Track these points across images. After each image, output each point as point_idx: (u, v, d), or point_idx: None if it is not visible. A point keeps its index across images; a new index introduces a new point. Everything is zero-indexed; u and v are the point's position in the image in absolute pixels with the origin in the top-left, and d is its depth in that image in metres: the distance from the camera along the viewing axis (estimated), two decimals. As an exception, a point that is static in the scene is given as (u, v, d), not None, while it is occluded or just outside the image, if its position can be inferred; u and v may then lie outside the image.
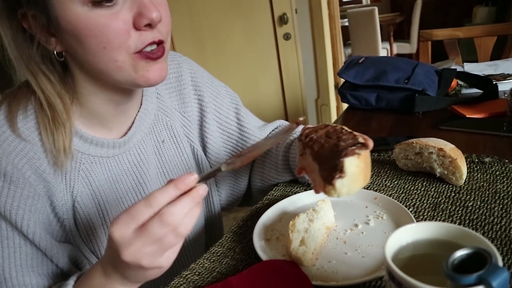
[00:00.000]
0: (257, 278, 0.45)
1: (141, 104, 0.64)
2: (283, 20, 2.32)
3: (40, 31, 0.49)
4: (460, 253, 0.33)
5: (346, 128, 0.49)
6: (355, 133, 0.47)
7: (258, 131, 0.78)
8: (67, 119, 0.53)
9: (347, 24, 4.11)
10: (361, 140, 0.45)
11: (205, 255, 0.56)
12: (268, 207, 0.63)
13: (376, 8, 3.85)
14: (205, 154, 0.74)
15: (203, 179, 0.42)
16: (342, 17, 3.78)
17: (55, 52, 0.51)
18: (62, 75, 0.54)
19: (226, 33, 2.40)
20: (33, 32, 0.49)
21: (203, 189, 0.40)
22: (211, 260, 0.54)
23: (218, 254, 0.56)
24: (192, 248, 0.72)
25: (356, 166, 0.42)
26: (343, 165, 0.42)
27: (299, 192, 0.67)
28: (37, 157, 0.52)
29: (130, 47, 0.48)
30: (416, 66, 1.08)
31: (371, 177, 0.72)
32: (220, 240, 0.58)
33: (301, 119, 0.45)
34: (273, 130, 0.82)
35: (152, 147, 0.66)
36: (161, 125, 0.68)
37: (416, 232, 0.38)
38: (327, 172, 0.44)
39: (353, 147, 0.44)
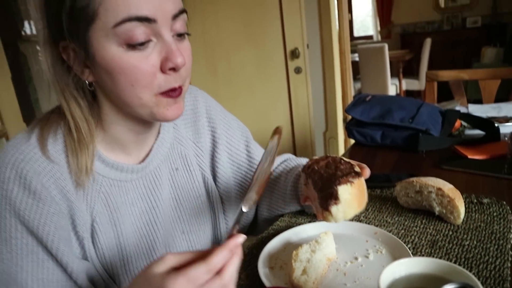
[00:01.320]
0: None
1: (158, 133, 0.69)
2: (294, 54, 2.41)
3: (77, 63, 0.54)
4: (448, 286, 0.36)
5: (344, 158, 0.54)
6: (353, 162, 0.52)
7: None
8: (91, 141, 0.58)
9: (357, 59, 4.21)
10: (356, 169, 0.50)
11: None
12: (273, 236, 0.66)
13: (386, 45, 3.95)
14: (215, 183, 0.78)
15: (234, 225, 0.46)
16: (353, 51, 3.89)
17: (87, 82, 0.56)
18: (90, 102, 0.59)
19: (239, 63, 2.48)
20: (71, 63, 0.55)
21: (242, 238, 0.44)
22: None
23: (224, 279, 0.59)
24: None
25: (350, 194, 0.46)
26: (337, 193, 0.47)
27: (303, 224, 0.71)
28: (63, 178, 0.57)
29: (154, 88, 0.54)
30: (421, 106, 1.13)
31: (373, 212, 0.75)
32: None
33: (280, 126, 0.50)
34: (281, 163, 0.86)
35: (166, 173, 0.70)
36: (176, 153, 0.72)
37: (409, 266, 0.41)
38: (324, 200, 0.48)
39: (347, 176, 0.48)
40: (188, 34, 0.57)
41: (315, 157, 0.59)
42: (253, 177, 0.52)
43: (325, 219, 0.49)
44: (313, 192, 0.54)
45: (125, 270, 0.63)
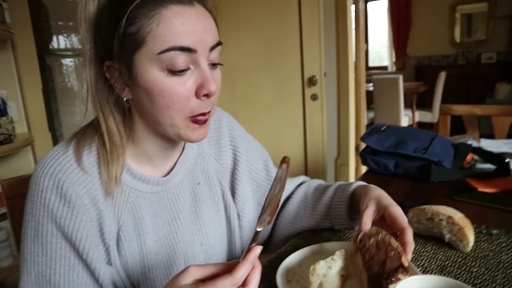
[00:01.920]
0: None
1: (183, 149, 0.74)
2: (312, 81, 2.48)
3: (119, 81, 0.60)
4: (454, 301, 0.40)
5: (393, 240, 0.60)
6: (400, 250, 0.58)
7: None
8: (122, 153, 0.63)
9: (371, 88, 4.28)
10: (404, 262, 0.56)
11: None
12: (291, 252, 0.71)
13: (401, 76, 4.02)
14: (233, 199, 0.82)
15: (251, 244, 0.50)
16: (368, 81, 3.97)
17: (124, 99, 0.62)
18: (124, 117, 0.64)
19: (257, 87, 2.56)
20: (112, 81, 0.60)
21: (259, 249, 0.49)
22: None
23: None
24: None
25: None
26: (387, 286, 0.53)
27: (320, 242, 0.75)
28: (94, 188, 0.62)
29: (187, 112, 0.59)
30: (434, 138, 1.17)
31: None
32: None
33: (287, 157, 0.58)
34: (298, 186, 0.91)
35: (188, 187, 0.74)
36: (199, 169, 0.77)
37: (421, 282, 0.46)
38: (374, 285, 0.55)
39: (396, 273, 0.54)
40: (221, 64, 0.63)
41: (366, 228, 0.64)
42: (265, 201, 0.57)
43: None
44: (361, 267, 0.60)
45: (145, 278, 0.67)
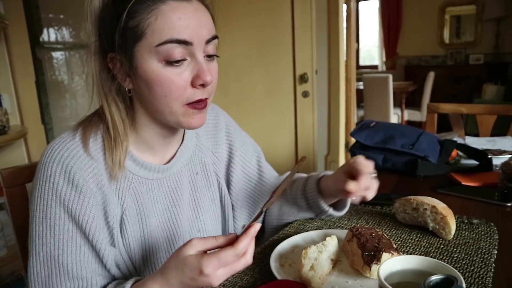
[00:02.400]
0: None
1: (182, 140, 0.78)
2: (303, 79, 2.52)
3: (121, 72, 0.63)
4: (435, 277, 0.44)
5: (385, 234, 0.69)
6: (391, 241, 0.67)
7: (274, 179, 0.92)
8: (125, 139, 0.66)
9: (362, 87, 4.34)
10: (395, 246, 0.66)
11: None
12: (283, 240, 0.74)
13: (390, 76, 4.09)
14: (228, 191, 0.86)
15: (254, 221, 0.56)
16: (358, 80, 4.02)
17: (126, 89, 0.65)
18: (127, 106, 0.68)
19: (250, 84, 2.60)
20: (115, 72, 0.64)
21: (259, 226, 0.54)
22: (234, 276, 0.65)
23: (240, 272, 0.67)
24: None
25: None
26: (381, 257, 0.61)
27: (309, 231, 0.79)
28: (100, 173, 0.65)
29: (184, 99, 0.63)
30: (421, 135, 1.22)
31: (373, 226, 0.83)
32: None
33: (304, 156, 0.64)
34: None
35: (187, 176, 0.78)
36: (197, 160, 0.81)
37: (404, 262, 0.50)
38: (368, 258, 0.62)
39: (390, 248, 0.64)
40: (217, 56, 0.67)
41: (365, 226, 0.72)
42: (276, 189, 0.62)
43: (363, 271, 0.63)
44: (355, 249, 0.66)
45: (146, 260, 0.71)
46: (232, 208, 0.87)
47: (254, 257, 0.70)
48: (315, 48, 2.49)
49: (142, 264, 0.70)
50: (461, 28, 5.43)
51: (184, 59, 0.61)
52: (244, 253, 0.52)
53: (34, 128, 1.96)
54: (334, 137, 2.95)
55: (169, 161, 0.75)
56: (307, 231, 0.80)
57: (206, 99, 0.65)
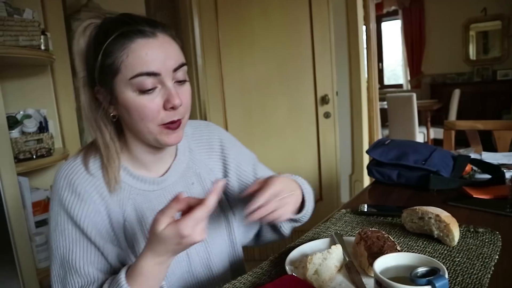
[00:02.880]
0: (286, 285, 0.64)
1: (176, 155, 0.87)
2: (324, 100, 2.60)
3: (105, 102, 0.74)
4: (421, 268, 0.51)
5: (391, 237, 0.76)
6: (396, 244, 0.74)
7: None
8: (116, 158, 0.77)
9: (386, 106, 4.36)
10: (398, 248, 0.73)
11: (249, 272, 0.75)
12: (299, 245, 0.82)
13: (414, 95, 4.10)
14: (227, 198, 0.93)
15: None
16: (382, 99, 4.06)
17: (111, 115, 0.76)
18: (114, 130, 0.78)
19: (272, 108, 2.69)
20: (101, 101, 0.75)
21: (223, 182, 0.66)
22: (253, 277, 0.74)
23: (259, 273, 0.75)
24: (220, 280, 0.87)
25: None
26: None
27: (320, 238, 0.86)
28: (100, 186, 0.76)
29: (158, 121, 0.73)
30: (434, 151, 1.27)
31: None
32: (261, 265, 0.78)
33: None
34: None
35: (183, 187, 0.86)
36: (191, 172, 0.89)
37: (397, 259, 0.57)
38: (373, 258, 0.66)
39: (393, 249, 0.71)
40: (187, 81, 0.76)
41: (372, 229, 0.80)
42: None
43: (368, 272, 0.70)
44: (362, 251, 0.74)
45: None
46: (233, 214, 0.93)
47: (271, 261, 0.79)
48: (335, 70, 2.58)
49: None
50: (488, 44, 5.39)
51: (155, 87, 0.71)
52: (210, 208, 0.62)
53: (74, 151, 2.14)
54: (358, 156, 3.00)
55: (163, 175, 0.84)
56: (322, 238, 0.87)
57: (179, 120, 0.75)
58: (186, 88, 0.76)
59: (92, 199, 0.74)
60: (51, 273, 0.74)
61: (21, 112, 1.86)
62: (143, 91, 0.70)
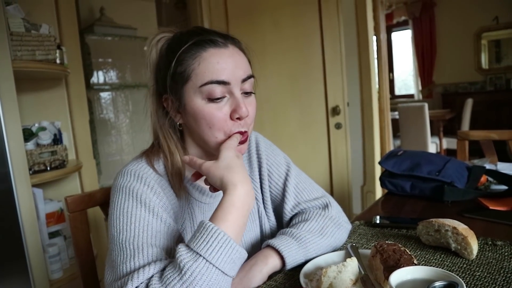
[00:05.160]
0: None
1: None
2: (335, 111, 2.60)
3: (173, 109, 0.76)
4: (438, 283, 0.50)
5: (407, 250, 0.74)
6: (413, 256, 0.72)
7: (291, 211, 0.91)
8: (181, 165, 0.77)
9: (398, 117, 4.33)
10: (415, 261, 0.71)
11: (263, 285, 0.74)
12: (312, 259, 0.81)
13: (426, 105, 4.06)
14: (264, 209, 0.93)
15: None
16: (393, 110, 4.03)
17: (178, 123, 0.78)
18: (179, 137, 0.80)
19: (283, 119, 2.70)
20: (168, 109, 0.77)
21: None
22: (272, 286, 0.73)
23: (273, 286, 0.74)
24: None
25: None
26: None
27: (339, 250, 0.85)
28: (166, 185, 0.76)
29: (226, 131, 0.74)
30: (448, 162, 1.26)
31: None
32: (275, 277, 0.77)
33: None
34: (295, 215, 0.92)
35: None
36: None
37: (414, 272, 0.56)
38: (389, 273, 0.65)
39: (409, 263, 0.69)
40: (253, 93, 0.78)
41: (389, 242, 0.78)
42: None
43: (384, 286, 0.69)
44: (378, 264, 0.73)
45: None
46: (268, 221, 0.93)
47: (286, 273, 0.78)
48: (345, 81, 2.58)
49: None
50: (501, 52, 5.33)
51: (224, 96, 0.73)
52: None
53: (87, 163, 2.16)
54: (370, 167, 2.97)
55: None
56: (337, 250, 0.86)
57: (246, 132, 0.76)
58: (252, 100, 0.78)
59: (162, 195, 0.73)
60: (109, 258, 0.68)
61: (36, 125, 1.89)
62: (212, 99, 0.71)
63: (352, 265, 0.73)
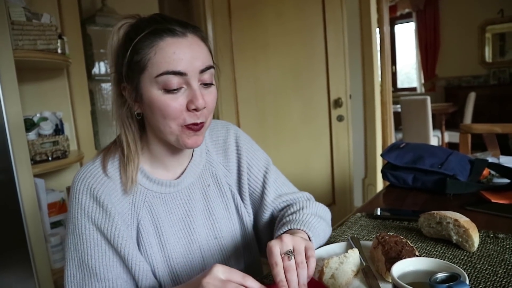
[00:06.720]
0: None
1: (192, 157, 0.86)
2: (337, 103, 2.59)
3: (131, 99, 0.75)
4: (440, 274, 0.50)
5: (409, 242, 0.74)
6: (414, 248, 0.73)
7: (274, 198, 0.92)
8: (136, 157, 0.77)
9: (400, 110, 4.31)
10: (416, 253, 0.71)
11: (264, 275, 0.74)
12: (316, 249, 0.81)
13: (428, 98, 4.04)
14: (242, 201, 0.92)
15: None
16: (396, 103, 4.01)
17: (136, 112, 0.76)
18: (137, 128, 0.79)
19: (285, 111, 2.70)
20: (127, 98, 0.75)
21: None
22: (269, 280, 0.73)
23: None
24: (235, 265, 0.87)
25: None
26: None
27: (336, 242, 0.85)
28: (115, 189, 0.75)
29: (181, 121, 0.72)
30: (450, 154, 1.25)
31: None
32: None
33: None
34: (285, 208, 0.92)
35: (199, 189, 0.86)
36: (208, 173, 0.88)
37: (416, 263, 0.55)
38: (391, 264, 0.65)
39: (410, 254, 0.69)
40: (213, 84, 0.76)
41: (391, 234, 0.78)
42: None
43: (386, 277, 0.69)
44: (380, 256, 0.73)
45: (166, 266, 0.78)
46: (249, 216, 0.92)
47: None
48: (348, 74, 2.56)
49: (163, 269, 0.78)
50: (505, 46, 5.29)
51: (181, 87, 0.71)
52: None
53: (88, 153, 2.16)
54: (371, 160, 2.97)
55: (179, 176, 0.83)
56: (338, 242, 0.86)
57: (201, 122, 0.74)
58: (212, 91, 0.76)
59: (108, 202, 0.73)
60: (65, 274, 0.73)
61: (37, 115, 1.89)
62: (168, 90, 0.70)
63: (354, 257, 0.74)
